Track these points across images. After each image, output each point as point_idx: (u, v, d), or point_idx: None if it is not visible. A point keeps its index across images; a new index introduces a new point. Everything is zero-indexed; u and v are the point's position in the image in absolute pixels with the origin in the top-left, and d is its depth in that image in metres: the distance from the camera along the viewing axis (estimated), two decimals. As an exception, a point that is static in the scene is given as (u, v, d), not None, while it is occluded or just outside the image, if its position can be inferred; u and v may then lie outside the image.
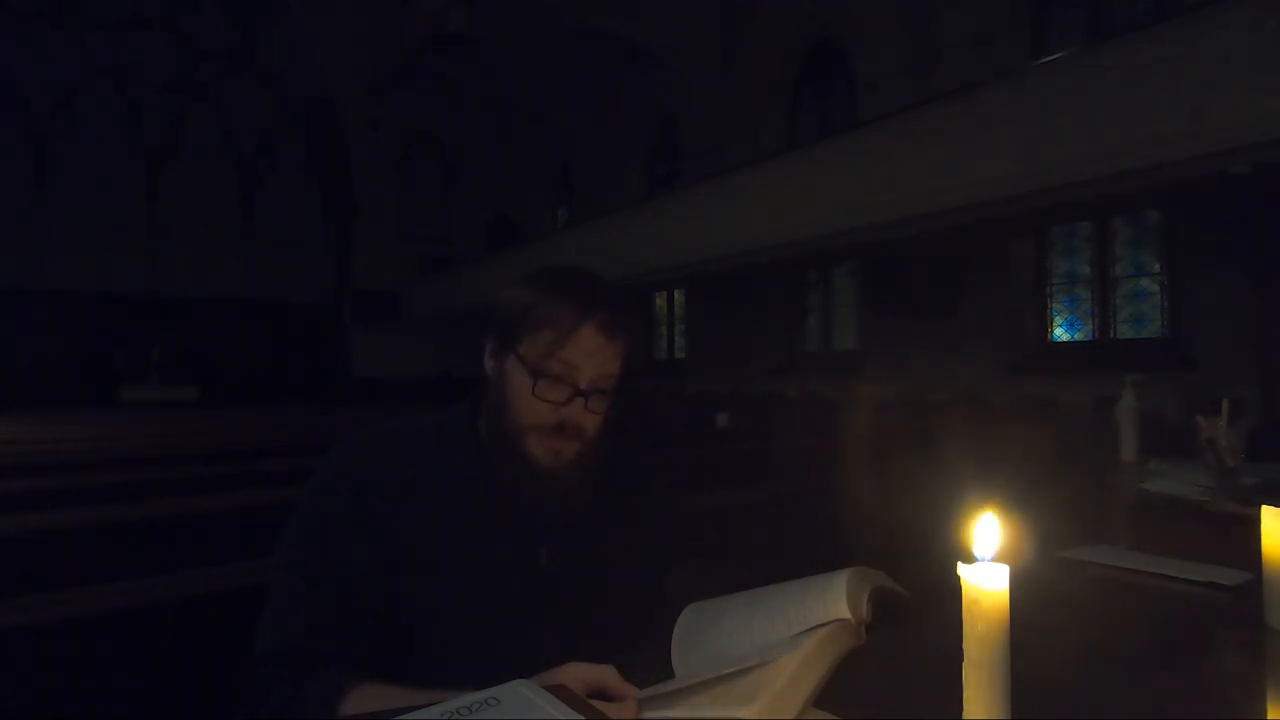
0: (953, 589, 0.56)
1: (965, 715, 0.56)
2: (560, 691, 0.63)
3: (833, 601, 0.70)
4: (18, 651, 1.12)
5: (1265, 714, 0.76)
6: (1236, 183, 4.89)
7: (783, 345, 10.32)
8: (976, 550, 0.56)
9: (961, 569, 0.56)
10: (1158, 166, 5.05)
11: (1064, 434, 4.63)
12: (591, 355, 0.91)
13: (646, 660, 0.79)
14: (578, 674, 0.69)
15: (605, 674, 0.70)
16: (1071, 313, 7.54)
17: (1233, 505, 1.64)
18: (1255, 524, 0.94)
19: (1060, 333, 7.60)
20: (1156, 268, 6.89)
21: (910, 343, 8.10)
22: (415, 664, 0.87)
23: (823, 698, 0.68)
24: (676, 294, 12.62)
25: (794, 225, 7.76)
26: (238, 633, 0.89)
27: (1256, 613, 0.94)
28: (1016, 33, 7.64)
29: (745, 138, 10.45)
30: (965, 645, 0.55)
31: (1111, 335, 7.16)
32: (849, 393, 8.14)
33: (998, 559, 0.56)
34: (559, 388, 0.90)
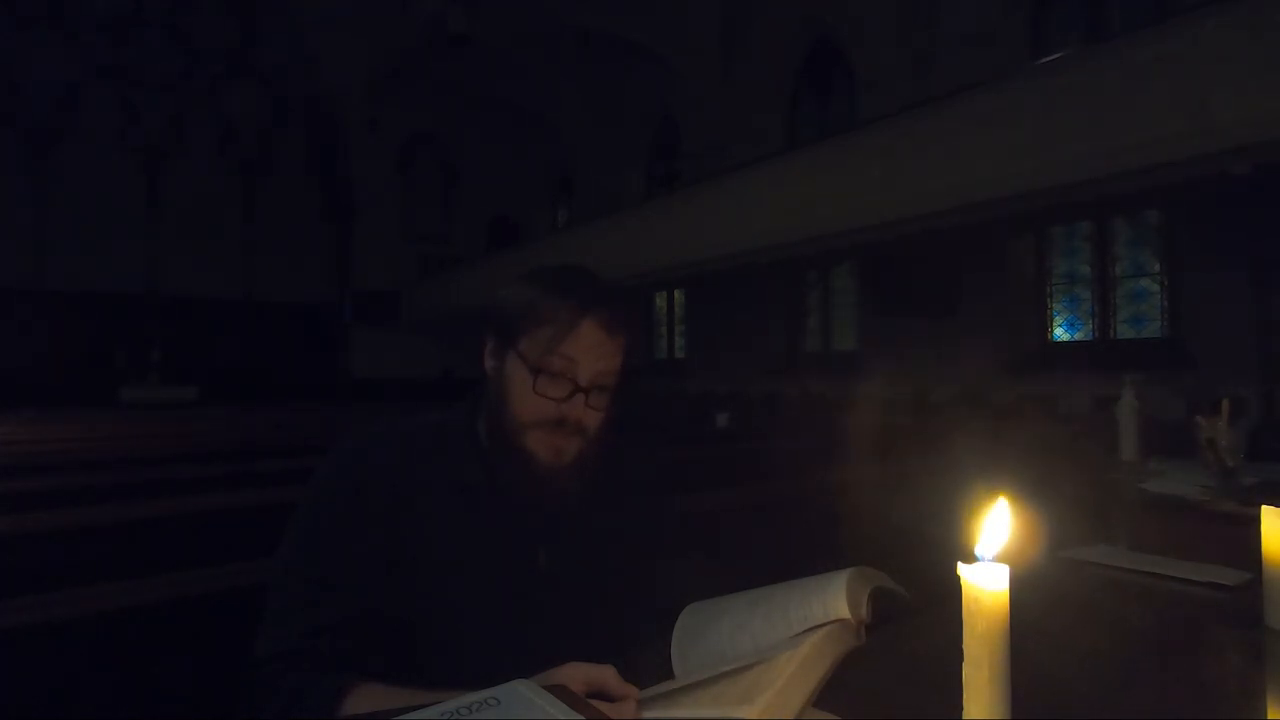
0: (953, 589, 0.56)
1: (965, 715, 0.56)
2: (560, 691, 0.63)
3: (833, 601, 0.70)
4: (18, 651, 1.12)
5: (1265, 714, 0.76)
6: (1236, 183, 4.89)
7: (783, 345, 10.32)
8: (977, 550, 0.56)
9: (961, 569, 0.56)
10: (1158, 166, 5.04)
11: (1064, 434, 4.62)
12: (591, 351, 0.90)
13: (646, 660, 0.79)
14: (578, 674, 0.69)
15: (605, 674, 0.70)
16: (1071, 313, 7.54)
17: (1233, 505, 1.64)
18: (1255, 524, 0.94)
19: (1060, 333, 7.60)
20: (1156, 268, 6.89)
21: (910, 342, 8.10)
22: (416, 664, 0.87)
23: (823, 698, 0.68)
24: (676, 294, 12.62)
25: (794, 225, 7.75)
26: (238, 633, 0.89)
27: (1256, 613, 0.94)
28: (1016, 33, 7.64)
29: (745, 138, 10.45)
30: (965, 645, 0.55)
31: (1111, 335, 7.15)
32: (849, 393, 8.13)
33: (998, 559, 0.56)
34: (559, 384, 0.90)
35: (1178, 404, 4.72)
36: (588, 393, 0.91)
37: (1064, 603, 1.10)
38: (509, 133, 16.23)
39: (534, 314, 0.91)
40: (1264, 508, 0.93)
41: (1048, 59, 6.07)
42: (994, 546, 0.56)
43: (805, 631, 0.70)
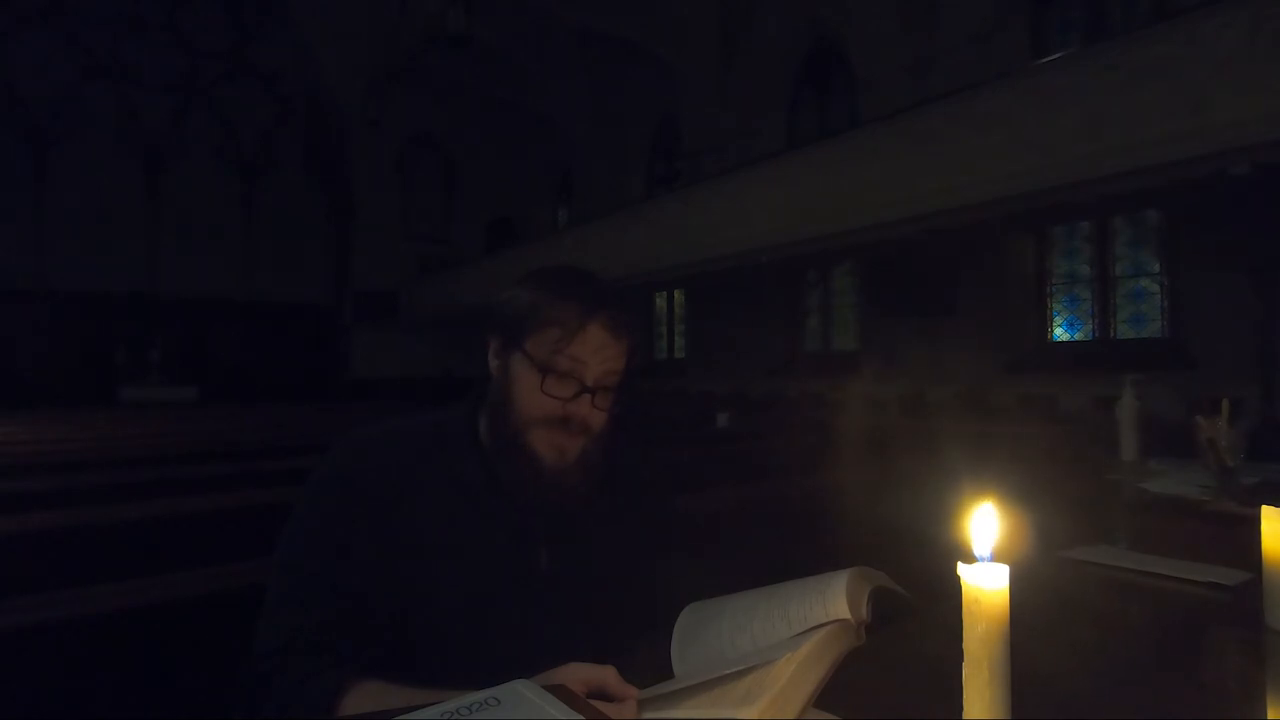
0: (952, 588, 0.56)
1: (965, 715, 0.56)
2: (560, 691, 0.63)
3: (833, 602, 0.70)
4: (18, 651, 1.12)
5: (1265, 714, 0.76)
6: (1236, 183, 4.89)
7: (782, 345, 10.32)
8: (976, 549, 0.56)
9: (961, 569, 0.55)
10: (1158, 166, 5.05)
11: (1064, 434, 4.62)
12: (598, 352, 0.91)
13: (646, 660, 0.79)
14: (578, 674, 0.69)
15: (605, 674, 0.70)
16: (1071, 313, 7.54)
17: (1233, 505, 1.64)
18: (1255, 524, 0.94)
19: (1060, 333, 7.61)
20: (1156, 268, 6.90)
21: (910, 343, 8.10)
22: (415, 663, 0.87)
23: (823, 698, 0.68)
24: (676, 294, 12.62)
25: (794, 225, 7.76)
26: (238, 633, 0.89)
27: (1256, 613, 0.94)
28: (1016, 33, 7.64)
29: (745, 138, 10.45)
30: (965, 645, 0.55)
31: (1111, 335, 7.16)
32: (849, 392, 8.13)
33: (998, 558, 0.56)
34: (566, 384, 0.91)
35: (1178, 404, 4.71)
36: (594, 393, 0.91)
37: (1064, 603, 1.10)
38: (509, 133, 16.23)
39: (541, 315, 0.92)
40: (1264, 508, 0.94)
41: (1048, 59, 6.07)
42: (985, 545, 0.56)
43: (805, 632, 0.70)
